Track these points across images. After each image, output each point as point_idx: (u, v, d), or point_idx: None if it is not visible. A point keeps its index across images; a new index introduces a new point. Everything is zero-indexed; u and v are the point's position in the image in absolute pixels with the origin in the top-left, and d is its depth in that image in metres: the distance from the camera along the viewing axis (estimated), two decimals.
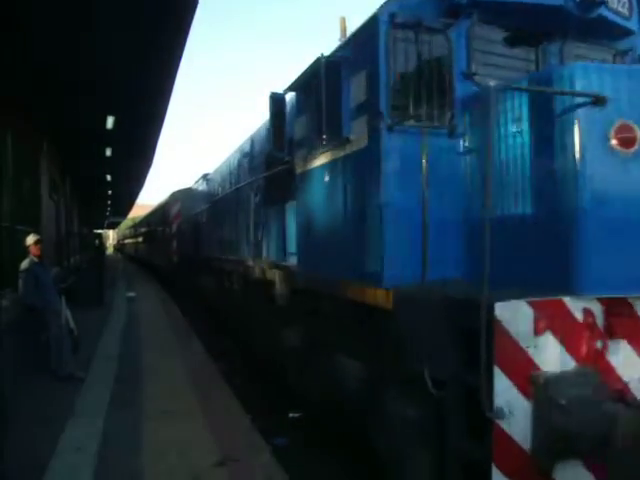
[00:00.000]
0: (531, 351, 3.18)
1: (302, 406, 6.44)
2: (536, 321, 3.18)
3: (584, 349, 3.29)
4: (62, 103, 11.57)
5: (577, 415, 2.98)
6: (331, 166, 5.24)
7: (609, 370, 3.31)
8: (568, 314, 3.28)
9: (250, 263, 8.59)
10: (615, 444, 2.94)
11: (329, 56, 5.11)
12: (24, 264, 7.21)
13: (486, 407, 3.13)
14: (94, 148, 16.55)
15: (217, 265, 11.76)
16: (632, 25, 4.71)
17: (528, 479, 3.20)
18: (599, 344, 3.32)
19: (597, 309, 3.33)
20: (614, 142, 3.31)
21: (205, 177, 14.84)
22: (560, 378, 3.16)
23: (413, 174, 4.00)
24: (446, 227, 4.24)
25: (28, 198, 10.80)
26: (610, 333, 3.33)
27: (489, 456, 3.18)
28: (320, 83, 5.05)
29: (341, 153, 4.99)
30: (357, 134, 4.68)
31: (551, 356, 3.22)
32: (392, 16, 4.25)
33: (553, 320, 3.22)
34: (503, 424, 3.14)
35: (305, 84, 5.74)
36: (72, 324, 8.16)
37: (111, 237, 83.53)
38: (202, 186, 15.28)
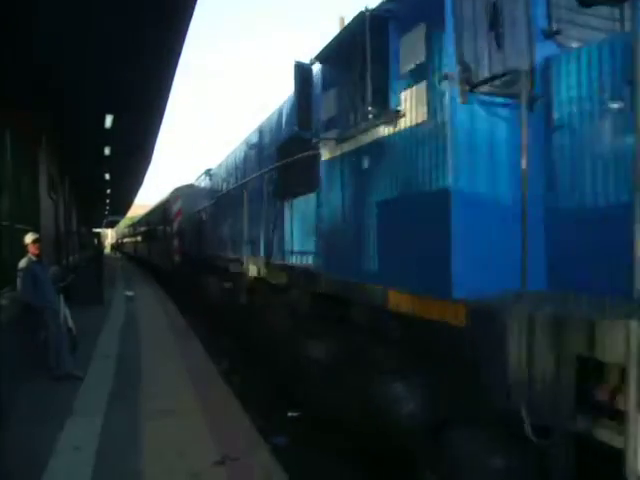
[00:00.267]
0: None
1: (301, 405, 6.43)
2: None
3: None
4: (61, 102, 11.55)
5: None
6: (373, 148, 4.52)
7: None
8: None
9: (261, 263, 8.07)
10: None
11: (374, 9, 4.28)
12: (22, 263, 7.18)
13: (632, 472, 2.45)
14: (93, 147, 16.53)
15: (223, 265, 11.06)
16: None
17: None
18: None
19: None
20: None
21: (208, 172, 14.56)
22: None
23: (488, 155, 3.49)
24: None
25: (27, 197, 10.76)
26: None
27: None
28: (362, 44, 4.30)
29: (389, 131, 4.29)
30: (412, 106, 3.98)
31: None
32: None
33: None
34: None
35: (339, 50, 5.00)
36: (70, 323, 8.14)
37: (110, 236, 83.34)
38: (205, 182, 14.96)
